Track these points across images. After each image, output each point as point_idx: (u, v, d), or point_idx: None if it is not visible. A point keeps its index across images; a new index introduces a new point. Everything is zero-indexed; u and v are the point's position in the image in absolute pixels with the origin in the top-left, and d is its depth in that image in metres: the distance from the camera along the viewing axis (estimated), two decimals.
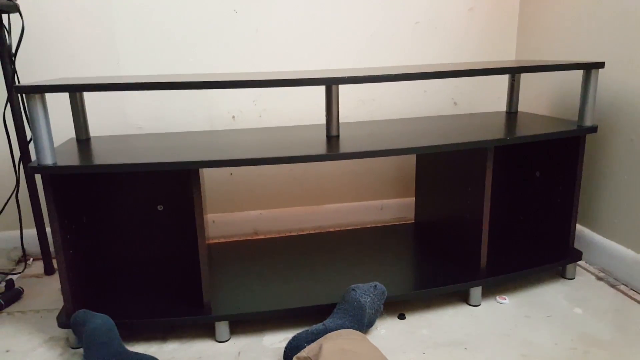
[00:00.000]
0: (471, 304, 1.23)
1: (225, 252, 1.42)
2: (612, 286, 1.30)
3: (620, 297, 1.25)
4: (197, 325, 1.15)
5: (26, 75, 1.43)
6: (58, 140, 1.48)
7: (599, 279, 1.34)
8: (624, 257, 1.31)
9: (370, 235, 1.52)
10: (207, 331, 1.13)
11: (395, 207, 1.77)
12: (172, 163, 1.00)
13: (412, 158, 1.75)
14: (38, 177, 1.43)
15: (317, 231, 1.68)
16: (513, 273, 1.25)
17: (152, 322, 1.08)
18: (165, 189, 1.30)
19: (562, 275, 1.36)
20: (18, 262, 1.51)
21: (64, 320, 1.07)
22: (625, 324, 1.13)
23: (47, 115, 0.97)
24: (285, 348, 1.00)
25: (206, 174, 1.60)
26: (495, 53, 1.72)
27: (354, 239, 1.50)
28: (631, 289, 1.28)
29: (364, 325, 1.07)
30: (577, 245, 1.47)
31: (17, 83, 1.33)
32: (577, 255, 1.34)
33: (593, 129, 1.26)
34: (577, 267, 1.39)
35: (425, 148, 1.11)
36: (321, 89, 1.62)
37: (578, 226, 1.47)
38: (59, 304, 1.27)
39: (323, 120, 1.64)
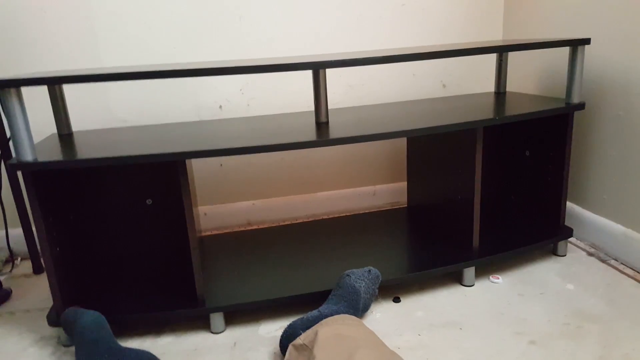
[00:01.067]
0: (465, 284, 1.24)
1: (219, 243, 1.41)
2: (603, 261, 1.31)
3: (611, 271, 1.26)
4: (192, 317, 1.14)
5: (0, 71, 1.39)
6: (39, 136, 1.45)
7: (590, 254, 1.36)
8: (614, 232, 1.32)
9: (363, 221, 1.52)
10: (202, 323, 1.12)
11: (388, 192, 1.77)
12: (159, 155, 0.98)
13: (403, 142, 1.74)
14: (20, 175, 1.40)
15: (310, 219, 1.67)
16: (505, 252, 1.26)
17: (145, 317, 1.07)
18: (154, 182, 1.28)
19: (553, 252, 1.37)
20: (5, 262, 1.48)
21: (54, 318, 1.05)
22: (617, 298, 1.14)
23: (24, 110, 0.94)
24: (281, 336, 0.99)
25: (195, 165, 1.58)
26: (482, 34, 1.71)
27: (348, 225, 1.49)
28: (621, 263, 1.29)
29: (359, 310, 1.06)
30: (567, 222, 1.48)
31: None
32: (568, 232, 1.35)
33: (581, 106, 1.26)
34: (568, 244, 1.40)
35: (416, 131, 1.10)
36: (309, 76, 1.60)
37: (568, 203, 1.47)
38: (49, 302, 1.25)
39: (312, 107, 1.62)
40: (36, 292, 1.31)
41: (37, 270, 1.42)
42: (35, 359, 1.03)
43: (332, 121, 1.22)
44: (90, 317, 0.96)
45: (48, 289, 1.32)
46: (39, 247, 1.42)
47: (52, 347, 1.07)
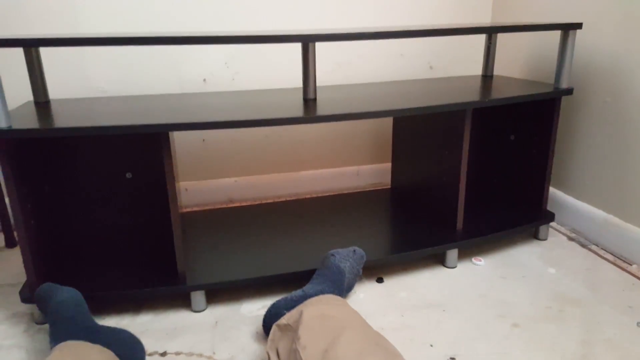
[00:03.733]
0: (447, 266, 1.24)
1: (200, 220, 1.38)
2: (583, 246, 1.33)
3: (592, 256, 1.28)
4: (172, 295, 1.11)
5: None
6: (14, 103, 1.38)
7: (571, 239, 1.37)
8: (595, 217, 1.34)
9: (347, 201, 1.50)
10: (182, 301, 1.09)
11: (372, 173, 1.75)
12: (140, 126, 0.94)
13: (388, 123, 1.72)
14: None
15: (293, 198, 1.65)
16: (488, 235, 1.26)
17: (124, 294, 1.04)
18: (134, 156, 1.23)
19: (535, 236, 1.39)
20: None
21: (28, 295, 1.01)
22: (597, 282, 1.16)
23: None
24: (265, 316, 0.98)
25: (177, 140, 1.53)
26: (470, 18, 1.69)
27: (331, 205, 1.48)
28: (601, 249, 1.31)
29: (343, 290, 1.05)
30: (549, 207, 1.49)
31: None
32: (550, 217, 1.36)
33: (569, 91, 1.26)
34: (550, 229, 1.42)
35: (405, 110, 1.08)
36: (297, 52, 1.55)
37: (550, 188, 1.49)
38: (22, 277, 1.20)
39: (299, 85, 1.58)
40: (8, 266, 1.26)
41: (9, 243, 1.37)
42: (8, 336, 1.00)
43: (319, 98, 1.19)
44: (66, 294, 0.92)
45: (21, 263, 1.27)
46: (12, 219, 1.37)
47: (24, 324, 1.03)
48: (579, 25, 1.21)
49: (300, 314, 0.87)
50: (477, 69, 1.75)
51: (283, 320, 0.89)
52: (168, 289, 1.04)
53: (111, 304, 1.09)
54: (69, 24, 1.36)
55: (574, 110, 1.39)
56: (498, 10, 1.69)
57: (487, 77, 1.51)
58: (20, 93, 1.37)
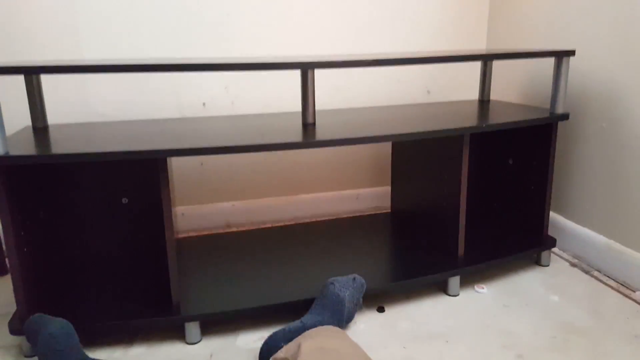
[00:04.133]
0: (450, 294, 1.21)
1: (196, 246, 1.35)
2: (586, 272, 1.31)
3: (594, 282, 1.26)
4: (166, 326, 1.08)
5: None
6: (12, 128, 1.36)
7: (573, 265, 1.35)
8: (596, 243, 1.33)
9: (346, 226, 1.48)
10: (176, 333, 1.06)
11: (371, 197, 1.74)
12: (138, 152, 0.93)
13: (388, 147, 1.72)
14: None
15: (292, 222, 1.63)
16: (490, 261, 1.24)
17: (116, 326, 1.01)
18: (131, 181, 1.21)
19: (537, 262, 1.36)
20: None
21: (17, 325, 0.98)
22: (601, 310, 1.14)
23: None
24: (261, 348, 0.95)
25: (175, 163, 1.52)
26: (465, 43, 1.71)
27: (330, 230, 1.46)
28: (604, 275, 1.29)
29: (343, 320, 1.02)
30: (550, 232, 1.47)
31: None
32: (552, 242, 1.34)
33: (565, 116, 1.26)
34: (551, 254, 1.40)
35: (404, 135, 1.07)
36: (296, 76, 1.56)
37: (551, 213, 1.47)
38: (12, 307, 1.16)
39: (298, 108, 1.58)
40: None
41: (0, 271, 1.33)
42: None
43: (318, 123, 1.18)
44: (58, 326, 0.89)
45: (11, 292, 1.23)
46: (4, 246, 1.34)
47: (12, 358, 0.99)
48: (572, 52, 1.21)
49: (299, 347, 0.84)
50: (474, 94, 1.76)
51: (280, 354, 0.86)
52: (162, 320, 1.01)
53: (103, 335, 1.06)
54: (71, 49, 1.36)
55: (572, 135, 1.39)
56: (493, 35, 1.70)
57: (484, 102, 1.51)
58: (18, 117, 1.37)
